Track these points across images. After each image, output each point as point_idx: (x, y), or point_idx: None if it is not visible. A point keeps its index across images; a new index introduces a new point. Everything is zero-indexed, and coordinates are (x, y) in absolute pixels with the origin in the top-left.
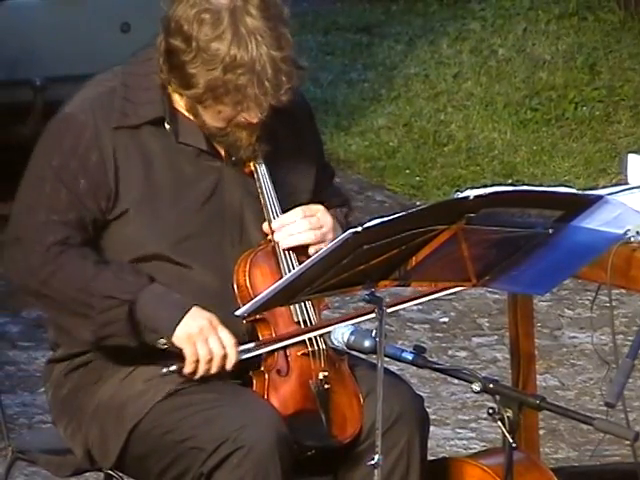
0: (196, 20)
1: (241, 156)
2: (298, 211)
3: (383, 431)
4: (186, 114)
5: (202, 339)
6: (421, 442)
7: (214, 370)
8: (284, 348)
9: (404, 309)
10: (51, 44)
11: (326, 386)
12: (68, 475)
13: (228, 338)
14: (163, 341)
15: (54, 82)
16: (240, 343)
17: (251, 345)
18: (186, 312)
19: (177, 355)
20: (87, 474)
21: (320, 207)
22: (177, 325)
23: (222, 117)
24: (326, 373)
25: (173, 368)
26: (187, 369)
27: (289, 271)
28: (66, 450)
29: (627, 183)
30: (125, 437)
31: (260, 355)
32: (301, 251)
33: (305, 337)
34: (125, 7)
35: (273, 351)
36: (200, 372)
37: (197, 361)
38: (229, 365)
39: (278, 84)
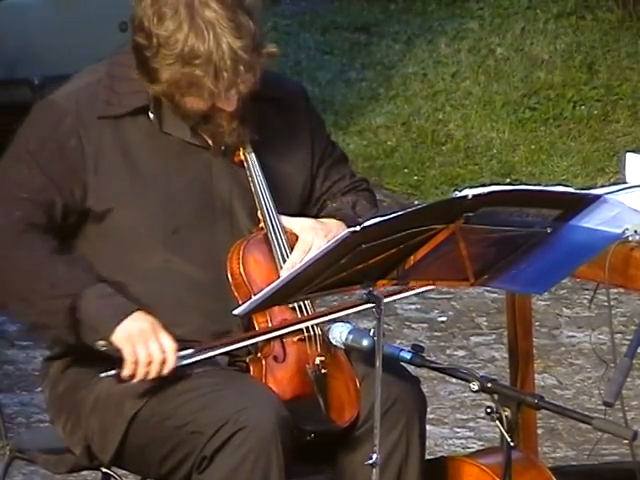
0: (155, 16)
1: (226, 142)
2: (299, 252)
3: (381, 414)
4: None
5: (142, 341)
6: (420, 421)
7: (152, 375)
8: (227, 352)
9: (402, 308)
10: (49, 43)
11: (323, 371)
12: (65, 472)
13: (169, 343)
14: (102, 342)
15: (52, 81)
16: (181, 349)
17: (190, 351)
18: (128, 314)
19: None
20: (85, 473)
21: (311, 238)
22: (117, 325)
23: (195, 108)
24: (322, 358)
25: (112, 372)
26: (125, 371)
27: (282, 257)
28: (64, 449)
29: (625, 182)
30: (124, 427)
31: (256, 344)
32: (293, 237)
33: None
34: (123, 6)
35: (214, 356)
36: (138, 376)
37: (135, 363)
38: (166, 371)
39: (236, 73)
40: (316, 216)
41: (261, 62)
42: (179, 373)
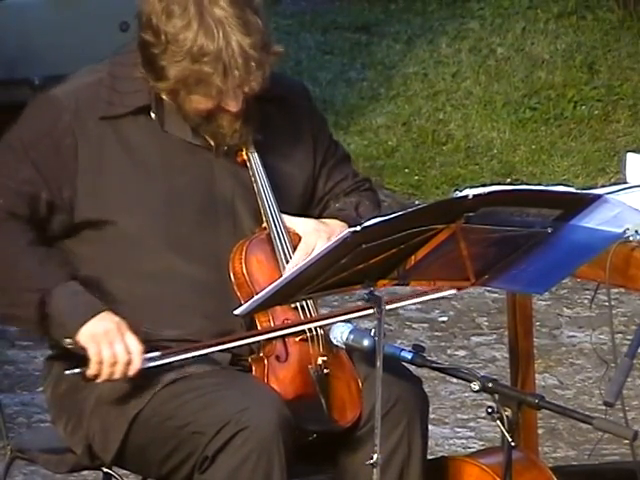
0: (164, 13)
1: (228, 143)
2: (302, 253)
3: (383, 414)
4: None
5: (107, 341)
6: (422, 421)
7: (117, 376)
8: (194, 356)
9: (403, 308)
10: (50, 43)
11: (325, 371)
12: (66, 471)
13: (134, 344)
14: (68, 340)
15: (52, 81)
16: (148, 351)
17: (157, 353)
18: (96, 314)
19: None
20: (86, 473)
21: (314, 240)
22: (83, 324)
23: (200, 107)
24: (325, 358)
25: (77, 370)
26: (90, 371)
27: (285, 257)
28: (65, 449)
29: (626, 182)
30: (126, 427)
31: (258, 343)
32: (296, 237)
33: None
34: (124, 6)
35: (181, 360)
36: (103, 376)
37: (100, 363)
38: (132, 372)
39: (248, 71)
40: (319, 216)
41: (270, 60)
42: (146, 375)
